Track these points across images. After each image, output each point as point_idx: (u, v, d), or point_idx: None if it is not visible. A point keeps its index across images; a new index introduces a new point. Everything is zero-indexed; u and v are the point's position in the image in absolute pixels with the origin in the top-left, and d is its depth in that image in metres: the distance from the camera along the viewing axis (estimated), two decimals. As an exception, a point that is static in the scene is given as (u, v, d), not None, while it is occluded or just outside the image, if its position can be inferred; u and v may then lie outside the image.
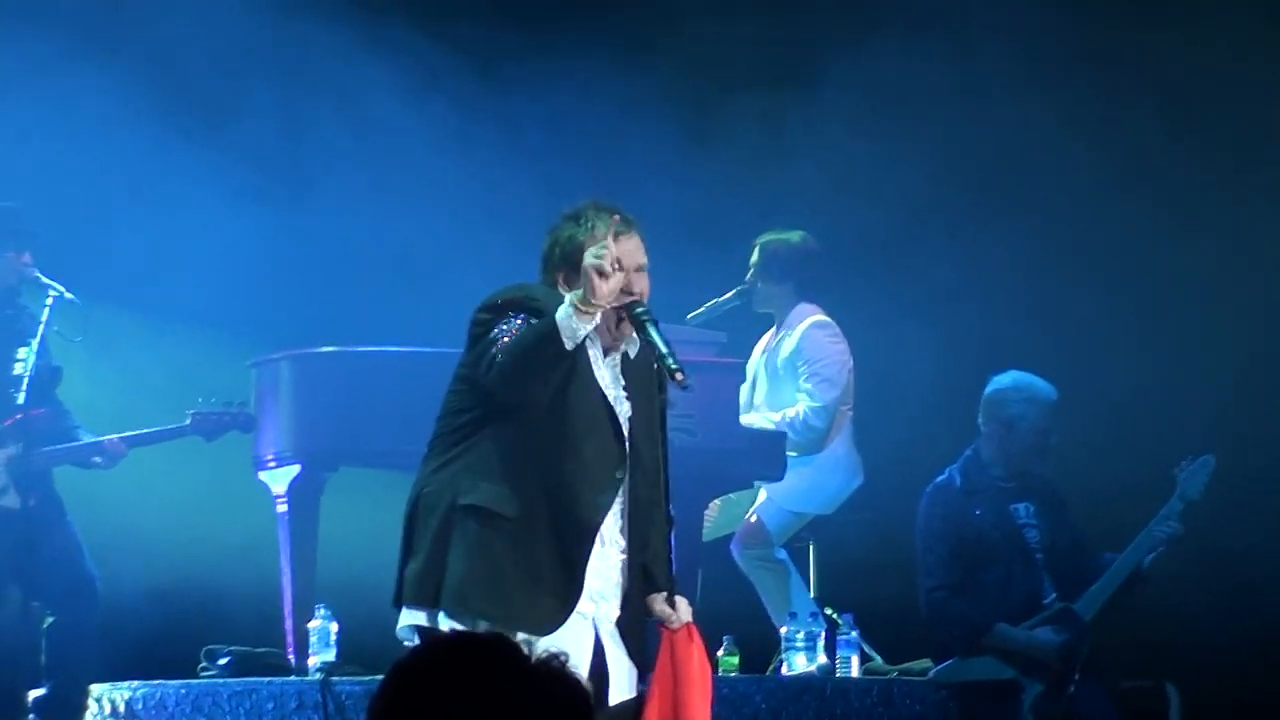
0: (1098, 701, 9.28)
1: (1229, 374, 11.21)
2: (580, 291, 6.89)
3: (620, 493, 7.17)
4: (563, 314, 6.87)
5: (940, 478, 9.68)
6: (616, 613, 7.09)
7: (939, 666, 9.46)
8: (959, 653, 9.47)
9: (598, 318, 6.95)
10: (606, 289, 6.87)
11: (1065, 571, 9.59)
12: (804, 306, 10.39)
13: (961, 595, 9.51)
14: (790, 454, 10.45)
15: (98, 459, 10.16)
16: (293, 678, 9.90)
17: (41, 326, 9.88)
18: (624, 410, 7.17)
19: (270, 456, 10.57)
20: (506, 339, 7.04)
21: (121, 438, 10.20)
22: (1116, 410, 11.07)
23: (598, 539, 7.08)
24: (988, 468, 9.62)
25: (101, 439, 10.08)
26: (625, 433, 7.28)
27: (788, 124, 11.93)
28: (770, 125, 11.99)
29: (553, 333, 6.88)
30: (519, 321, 7.09)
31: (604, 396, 7.25)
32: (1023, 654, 9.36)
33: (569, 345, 6.89)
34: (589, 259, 6.91)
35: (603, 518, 7.14)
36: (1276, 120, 11.56)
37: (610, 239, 7.07)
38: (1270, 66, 11.21)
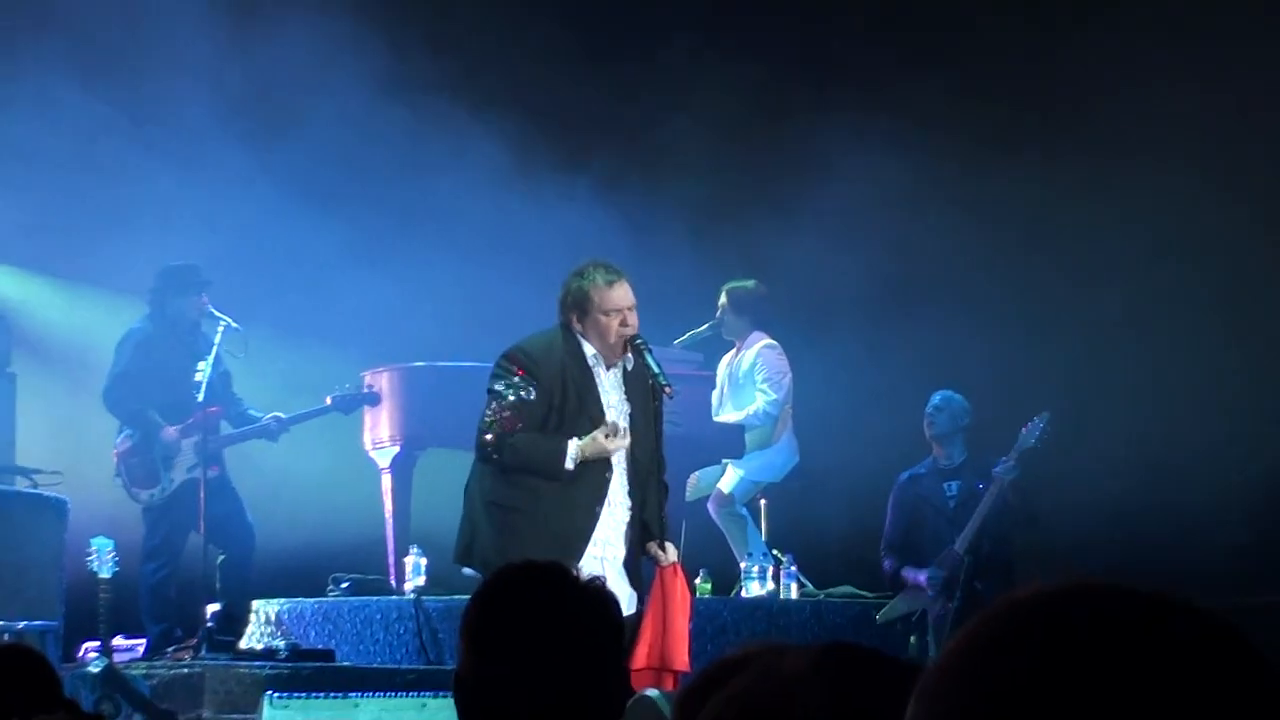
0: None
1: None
2: (586, 447, 6.95)
3: (625, 473, 7.14)
4: (570, 461, 6.96)
5: (907, 472, 9.83)
6: (622, 553, 7.13)
7: (887, 606, 9.48)
8: (892, 590, 9.54)
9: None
10: (612, 448, 7.02)
11: (983, 529, 9.42)
12: (756, 334, 10.46)
13: (894, 553, 9.61)
14: (756, 447, 10.44)
15: (270, 429, 10.20)
16: (394, 597, 10.05)
17: (215, 347, 9.95)
18: (625, 410, 7.13)
19: (379, 440, 10.74)
20: (509, 413, 7.01)
21: (284, 417, 10.27)
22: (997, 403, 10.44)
23: (608, 502, 7.08)
24: (937, 460, 9.70)
25: (269, 421, 10.18)
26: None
27: (792, 204, 11.63)
28: (775, 204, 11.77)
29: (555, 469, 6.99)
30: (514, 375, 7.06)
31: (601, 417, 7.12)
32: (915, 587, 9.45)
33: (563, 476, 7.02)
34: (609, 446, 7.01)
35: (595, 523, 7.10)
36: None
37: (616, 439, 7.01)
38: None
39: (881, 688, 1.58)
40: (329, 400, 10.23)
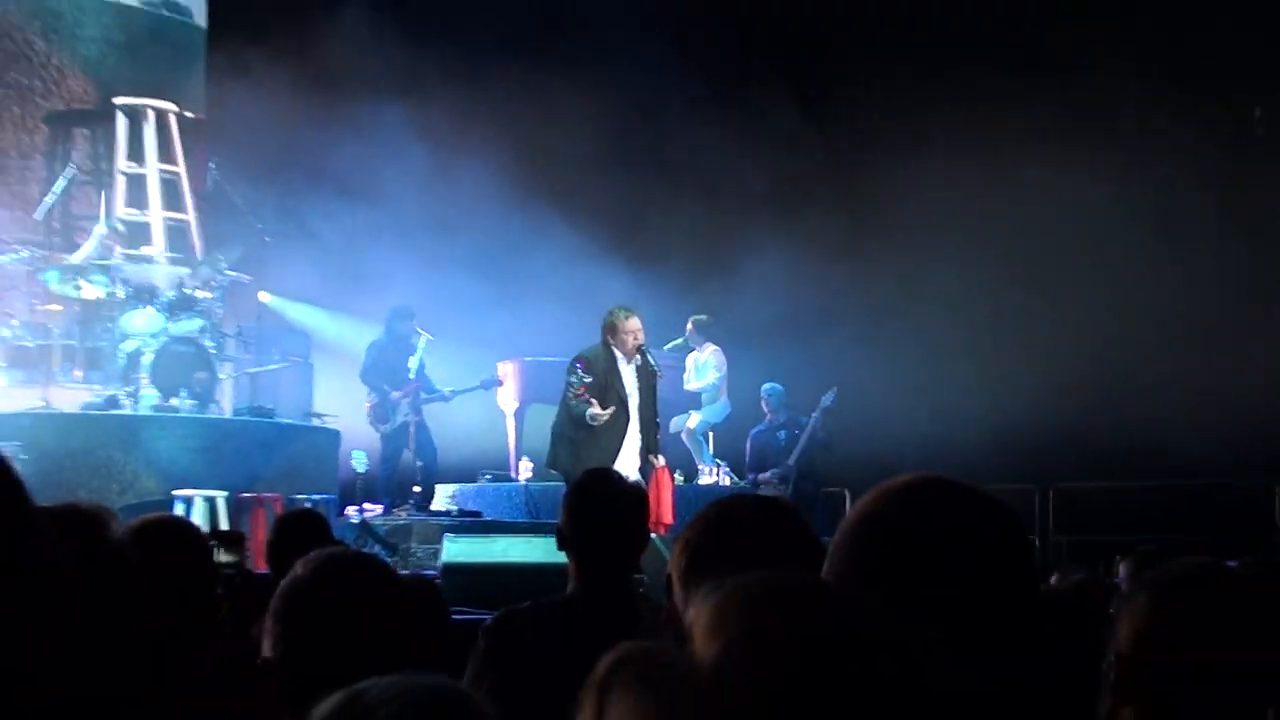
0: (812, 496, 10.98)
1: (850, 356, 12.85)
2: (592, 414, 8.07)
3: (636, 419, 8.41)
4: (588, 420, 7.99)
5: (755, 428, 11.61)
6: (636, 462, 8.50)
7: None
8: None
9: (602, 416, 8.12)
10: (600, 419, 7.97)
11: (803, 451, 11.11)
12: (709, 344, 11.92)
13: (751, 473, 11.29)
14: (708, 403, 11.93)
15: (445, 397, 11.36)
16: (513, 483, 11.42)
17: (420, 350, 11.15)
18: (635, 386, 8.31)
19: (506, 400, 12.25)
20: (574, 394, 8.03)
21: (453, 391, 11.31)
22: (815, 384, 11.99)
23: (628, 434, 8.37)
24: (770, 421, 11.35)
25: (446, 393, 11.27)
26: (635, 403, 8.33)
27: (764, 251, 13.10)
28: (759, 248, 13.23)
29: (581, 420, 8.15)
30: (580, 371, 8.07)
31: (625, 392, 8.25)
32: (766, 483, 10.95)
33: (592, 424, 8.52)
34: (592, 419, 7.83)
35: (621, 445, 8.16)
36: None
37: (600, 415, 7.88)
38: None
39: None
40: (479, 382, 11.57)
